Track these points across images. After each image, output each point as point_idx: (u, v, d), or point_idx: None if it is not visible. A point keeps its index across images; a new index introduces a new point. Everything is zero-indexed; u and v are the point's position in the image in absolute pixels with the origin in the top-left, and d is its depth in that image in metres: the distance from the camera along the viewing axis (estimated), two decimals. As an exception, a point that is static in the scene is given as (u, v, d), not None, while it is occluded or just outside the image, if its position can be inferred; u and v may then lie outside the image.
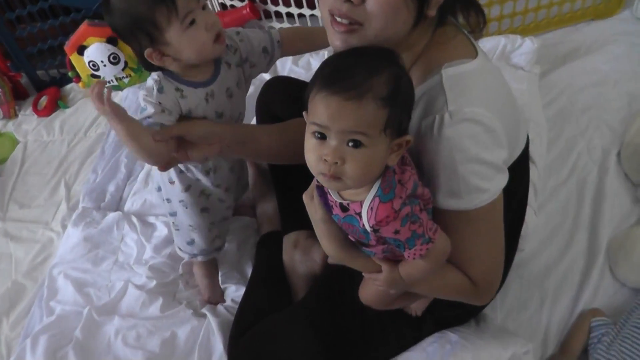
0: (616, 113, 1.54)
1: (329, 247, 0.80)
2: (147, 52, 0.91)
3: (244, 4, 2.06)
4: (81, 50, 1.94)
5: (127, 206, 1.56)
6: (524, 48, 1.66)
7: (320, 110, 0.66)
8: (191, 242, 1.20)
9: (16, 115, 2.12)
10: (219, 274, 1.32)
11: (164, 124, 0.92)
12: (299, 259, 1.20)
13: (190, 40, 0.90)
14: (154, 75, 0.95)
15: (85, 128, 1.98)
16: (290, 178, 1.22)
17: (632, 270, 1.19)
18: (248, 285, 1.24)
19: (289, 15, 2.01)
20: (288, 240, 1.24)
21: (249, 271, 1.31)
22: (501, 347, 1.04)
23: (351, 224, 0.74)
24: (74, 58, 1.97)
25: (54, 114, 2.07)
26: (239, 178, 1.24)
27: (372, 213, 0.69)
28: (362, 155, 0.66)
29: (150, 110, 0.91)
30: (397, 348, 1.06)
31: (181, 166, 1.09)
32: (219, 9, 2.16)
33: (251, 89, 1.17)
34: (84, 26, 1.91)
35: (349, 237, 0.79)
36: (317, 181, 0.74)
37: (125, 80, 2.04)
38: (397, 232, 0.69)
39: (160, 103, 0.92)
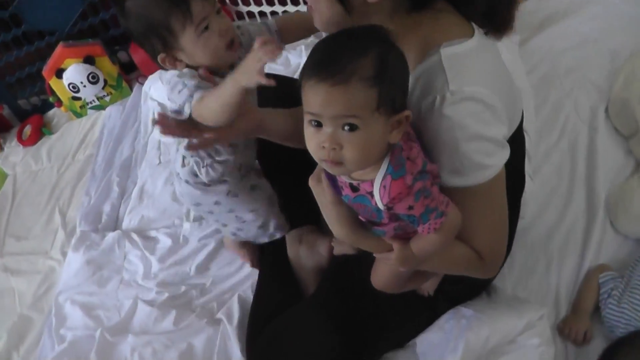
0: (599, 71, 1.54)
1: (339, 229, 0.79)
2: (161, 57, 0.92)
3: (215, 8, 2.05)
4: (59, 73, 1.92)
5: (125, 224, 1.56)
6: (501, 18, 1.66)
7: (311, 98, 0.66)
8: (264, 225, 1.16)
9: (2, 149, 2.09)
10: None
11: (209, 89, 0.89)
12: (305, 254, 1.20)
13: (203, 46, 0.91)
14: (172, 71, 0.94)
15: (73, 152, 1.96)
16: (284, 176, 1.22)
17: (632, 222, 1.20)
18: (258, 286, 1.24)
19: (262, 14, 2.00)
20: (291, 237, 1.23)
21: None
22: (516, 316, 1.04)
23: (363, 203, 0.74)
24: (53, 82, 1.95)
25: (39, 142, 2.05)
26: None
27: (385, 191, 0.68)
28: (358, 138, 0.66)
29: (192, 82, 0.89)
30: (413, 330, 1.07)
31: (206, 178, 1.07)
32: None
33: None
34: (59, 48, 1.90)
35: (360, 217, 0.79)
36: None
37: (107, 99, 2.02)
38: (410, 207, 0.69)
39: (193, 75, 0.90)
